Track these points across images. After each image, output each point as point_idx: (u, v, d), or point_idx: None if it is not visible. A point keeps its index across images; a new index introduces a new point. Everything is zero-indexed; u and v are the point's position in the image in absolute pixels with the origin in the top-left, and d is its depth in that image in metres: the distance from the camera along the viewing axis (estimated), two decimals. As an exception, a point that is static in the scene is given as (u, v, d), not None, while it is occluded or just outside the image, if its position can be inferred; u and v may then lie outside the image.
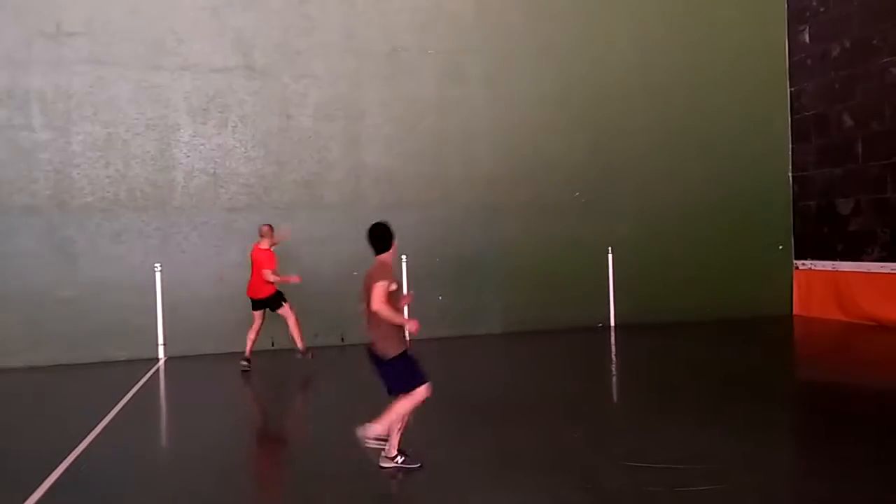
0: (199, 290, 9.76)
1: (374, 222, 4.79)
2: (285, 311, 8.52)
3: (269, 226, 8.65)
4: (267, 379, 8.51)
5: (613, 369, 8.80)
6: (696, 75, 11.84)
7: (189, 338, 9.67)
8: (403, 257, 10.33)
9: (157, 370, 8.91)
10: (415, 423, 4.92)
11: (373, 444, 4.60)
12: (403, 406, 4.58)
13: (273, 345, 9.54)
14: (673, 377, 7.79)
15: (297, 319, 8.55)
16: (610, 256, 11.53)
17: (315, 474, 4.84)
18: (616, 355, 9.74)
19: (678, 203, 11.68)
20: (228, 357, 9.03)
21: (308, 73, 10.34)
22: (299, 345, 8.58)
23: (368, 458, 4.73)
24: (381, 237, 4.71)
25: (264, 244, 8.47)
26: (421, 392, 4.61)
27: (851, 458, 4.79)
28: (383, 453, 4.72)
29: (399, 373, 4.58)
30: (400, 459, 4.71)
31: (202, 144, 9.98)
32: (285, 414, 7.21)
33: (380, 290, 4.46)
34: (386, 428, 4.59)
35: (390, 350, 4.55)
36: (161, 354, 9.67)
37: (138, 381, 8.10)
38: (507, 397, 6.83)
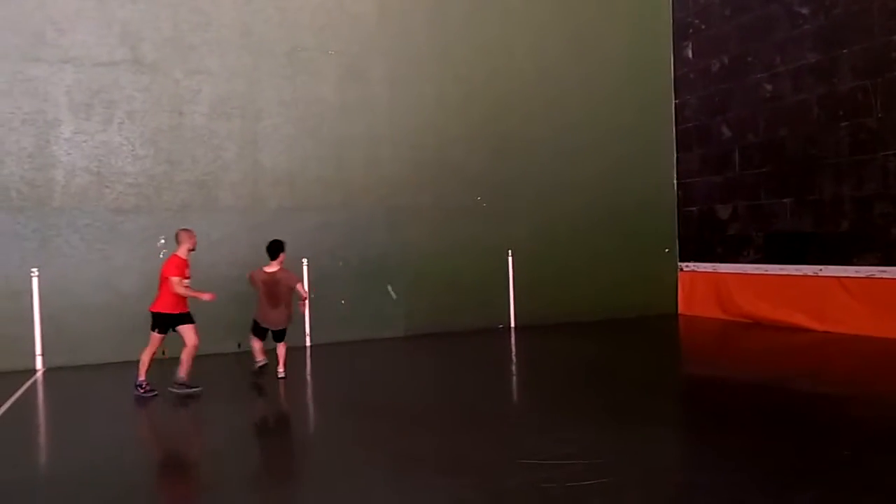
0: (82, 296, 9.15)
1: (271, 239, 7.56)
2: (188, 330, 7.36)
3: (183, 230, 7.57)
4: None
5: (512, 370, 9.01)
6: (590, 88, 12.35)
7: (70, 348, 9.04)
8: (304, 261, 10.12)
9: (35, 382, 8.27)
10: (317, 427, 4.83)
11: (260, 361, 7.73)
12: (285, 347, 7.92)
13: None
14: (568, 376, 8.07)
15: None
16: (510, 259, 11.82)
17: (213, 491, 4.66)
18: (515, 356, 9.97)
19: (573, 208, 12.15)
20: (112, 367, 8.53)
21: (202, 70, 9.95)
22: (183, 373, 7.39)
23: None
24: (280, 247, 7.65)
25: (180, 251, 7.43)
26: None
27: (730, 449, 5.11)
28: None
29: (284, 332, 7.82)
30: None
31: (85, 141, 9.38)
32: (176, 428, 6.87)
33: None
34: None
35: (288, 322, 7.81)
36: (39, 365, 8.99)
37: (12, 394, 7.49)
38: (409, 400, 6.84)
